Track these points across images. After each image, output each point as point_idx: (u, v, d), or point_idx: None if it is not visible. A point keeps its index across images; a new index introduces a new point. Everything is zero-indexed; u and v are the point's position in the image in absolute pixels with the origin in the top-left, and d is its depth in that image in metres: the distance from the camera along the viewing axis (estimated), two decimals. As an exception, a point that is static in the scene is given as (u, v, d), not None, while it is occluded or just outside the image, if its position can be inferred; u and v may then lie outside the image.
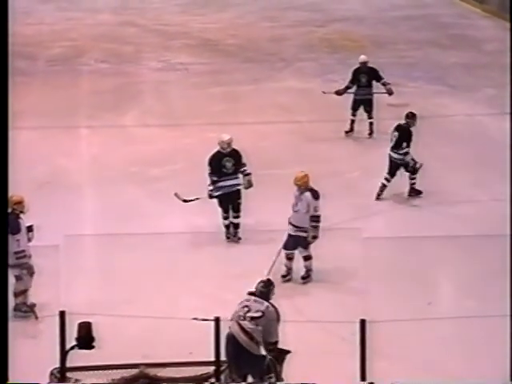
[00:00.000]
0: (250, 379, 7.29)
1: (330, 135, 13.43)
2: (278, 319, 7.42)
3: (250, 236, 10.42)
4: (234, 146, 10.50)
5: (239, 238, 10.43)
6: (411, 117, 11.44)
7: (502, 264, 9.76)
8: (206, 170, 10.37)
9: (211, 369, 6.60)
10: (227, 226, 10.44)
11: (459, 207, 11.14)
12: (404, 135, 11.32)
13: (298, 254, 9.61)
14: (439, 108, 14.57)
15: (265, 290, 7.48)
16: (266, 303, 7.40)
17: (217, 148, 10.42)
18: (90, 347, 8.29)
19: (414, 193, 11.48)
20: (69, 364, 6.66)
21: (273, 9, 21.72)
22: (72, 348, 8.17)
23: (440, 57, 17.31)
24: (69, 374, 6.51)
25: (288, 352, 7.37)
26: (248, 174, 10.41)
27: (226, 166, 10.35)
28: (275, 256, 9.51)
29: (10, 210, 8.50)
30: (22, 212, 8.81)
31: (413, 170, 11.31)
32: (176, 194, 10.39)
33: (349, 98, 13.53)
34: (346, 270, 9.74)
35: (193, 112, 14.70)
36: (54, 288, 8.65)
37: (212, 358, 6.76)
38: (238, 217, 10.44)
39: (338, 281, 9.58)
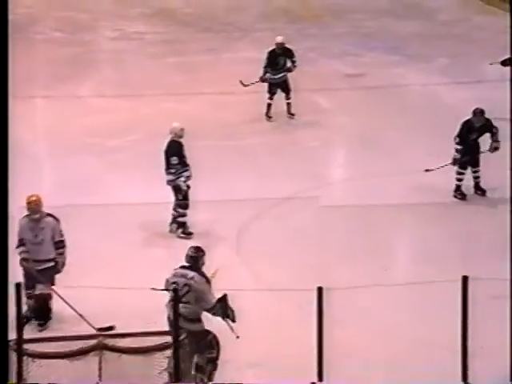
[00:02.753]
0: (195, 358, 7.29)
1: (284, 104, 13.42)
2: (208, 282, 7.32)
3: (211, 205, 10.37)
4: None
5: (190, 233, 9.93)
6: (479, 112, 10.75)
7: (455, 230, 10.03)
8: (172, 160, 9.75)
9: (170, 338, 6.64)
10: (183, 223, 9.93)
11: (414, 176, 11.26)
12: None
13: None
14: (395, 78, 14.67)
15: (194, 255, 7.42)
16: (191, 273, 7.32)
17: (170, 137, 9.88)
18: (47, 318, 8.30)
19: (479, 190, 10.88)
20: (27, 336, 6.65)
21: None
22: (29, 319, 8.17)
23: (396, 27, 17.40)
24: (26, 346, 6.48)
25: (225, 295, 7.29)
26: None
27: (185, 155, 9.94)
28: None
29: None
30: None
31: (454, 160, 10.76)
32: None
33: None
34: (303, 238, 9.82)
35: (150, 82, 14.62)
36: (11, 260, 8.59)
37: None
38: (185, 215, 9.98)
39: (295, 248, 9.63)
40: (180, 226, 10.01)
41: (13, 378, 6.44)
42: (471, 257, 9.41)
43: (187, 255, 7.46)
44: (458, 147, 10.75)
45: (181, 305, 7.01)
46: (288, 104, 13.16)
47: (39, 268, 8.24)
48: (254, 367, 7.70)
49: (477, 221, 10.44)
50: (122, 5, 19.18)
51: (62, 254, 8.31)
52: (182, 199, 9.98)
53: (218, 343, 7.38)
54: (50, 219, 8.35)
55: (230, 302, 7.30)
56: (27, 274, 8.18)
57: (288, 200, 10.58)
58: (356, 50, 15.26)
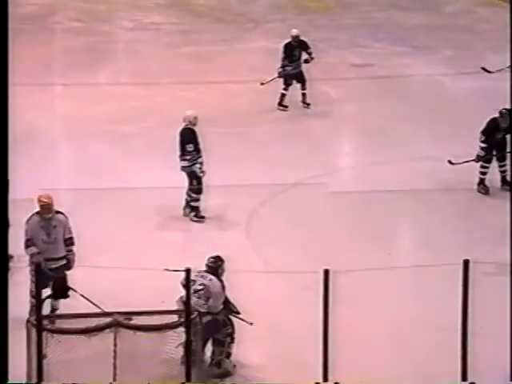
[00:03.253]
0: (209, 344, 7.56)
1: (299, 94, 13.66)
2: (223, 289, 7.57)
3: (222, 191, 10.62)
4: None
5: (202, 217, 10.24)
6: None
7: (460, 216, 10.27)
8: (187, 147, 10.03)
9: (182, 317, 6.91)
10: (196, 207, 10.15)
11: (419, 163, 11.48)
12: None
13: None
14: (402, 68, 14.86)
15: (213, 265, 7.62)
16: (210, 276, 7.55)
17: (184, 125, 10.12)
18: (65, 296, 8.57)
19: (506, 184, 10.76)
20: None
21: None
22: (48, 297, 8.46)
23: (403, 18, 17.58)
24: (45, 322, 6.78)
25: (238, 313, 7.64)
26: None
27: (199, 142, 10.19)
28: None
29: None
30: None
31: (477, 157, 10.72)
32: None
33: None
34: (311, 222, 10.05)
35: (165, 71, 14.86)
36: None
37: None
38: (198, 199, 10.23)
39: (303, 233, 9.88)
40: (193, 210, 10.30)
41: (32, 352, 6.77)
42: (475, 243, 9.59)
43: (207, 265, 7.64)
44: (483, 145, 10.68)
45: (194, 299, 7.19)
46: (303, 94, 13.30)
47: (53, 266, 8.09)
48: (260, 347, 7.95)
49: (482, 208, 10.62)
50: (137, -4, 19.39)
51: (71, 250, 8.20)
52: (196, 184, 10.28)
53: (230, 320, 7.65)
54: (61, 216, 8.19)
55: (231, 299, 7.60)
56: (39, 274, 7.42)
57: (297, 186, 10.85)
58: (364, 41, 15.45)
